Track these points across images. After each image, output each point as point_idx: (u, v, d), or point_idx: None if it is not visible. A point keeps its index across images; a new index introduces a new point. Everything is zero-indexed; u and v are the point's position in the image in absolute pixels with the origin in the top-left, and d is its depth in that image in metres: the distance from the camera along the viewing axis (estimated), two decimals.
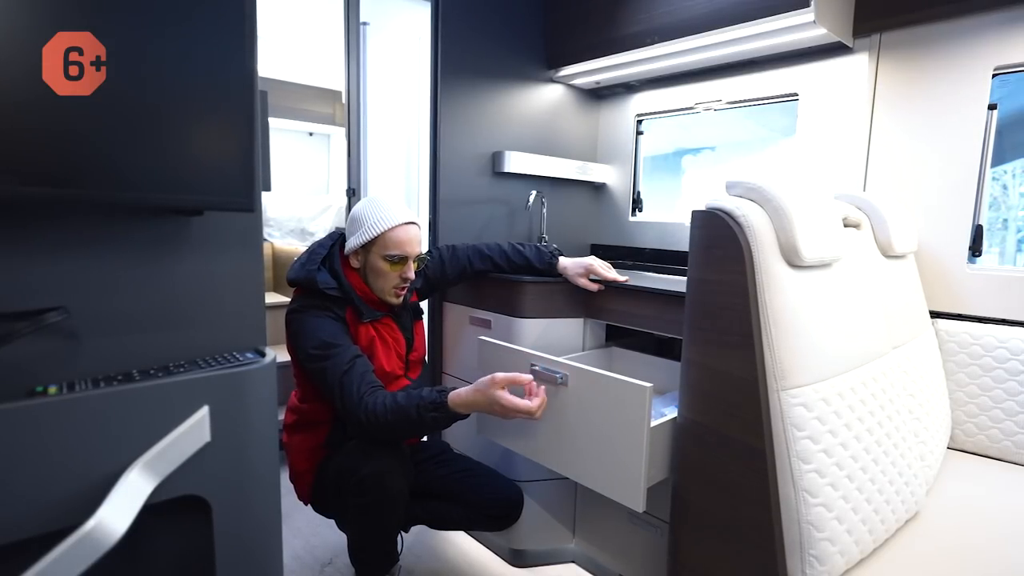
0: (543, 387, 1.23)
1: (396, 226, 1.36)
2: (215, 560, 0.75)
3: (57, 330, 0.68)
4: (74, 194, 0.62)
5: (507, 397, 1.18)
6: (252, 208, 0.74)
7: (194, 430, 0.70)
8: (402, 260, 1.38)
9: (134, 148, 0.64)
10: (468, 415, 1.24)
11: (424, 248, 1.46)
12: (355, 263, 1.40)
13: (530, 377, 1.22)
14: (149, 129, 0.65)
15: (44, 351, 0.68)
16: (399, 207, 1.40)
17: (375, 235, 1.35)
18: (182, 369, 0.74)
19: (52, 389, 0.67)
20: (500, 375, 1.19)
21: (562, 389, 1.23)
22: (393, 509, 1.27)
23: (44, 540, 0.59)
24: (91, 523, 0.60)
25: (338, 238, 1.44)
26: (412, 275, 1.40)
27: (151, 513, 0.67)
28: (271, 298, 2.90)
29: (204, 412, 0.71)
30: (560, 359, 1.27)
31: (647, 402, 1.08)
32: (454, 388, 1.23)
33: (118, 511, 0.62)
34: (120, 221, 0.73)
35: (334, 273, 1.37)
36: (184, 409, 0.71)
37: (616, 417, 1.13)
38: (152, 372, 0.73)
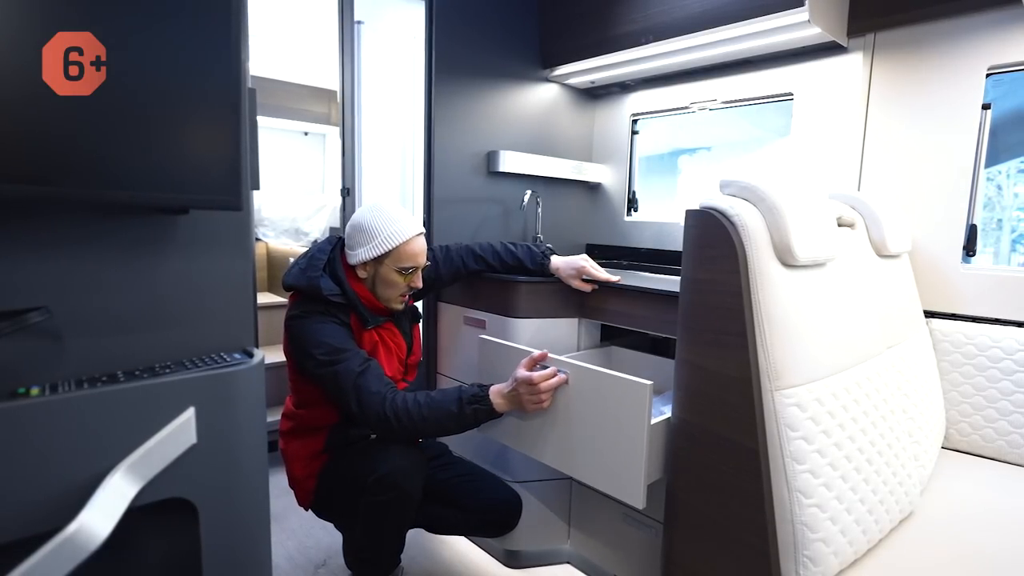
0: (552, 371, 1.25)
1: (411, 239, 1.36)
2: (202, 563, 0.74)
3: (39, 330, 0.67)
4: (57, 192, 0.61)
5: (535, 374, 1.21)
6: (239, 207, 0.73)
7: (180, 432, 0.69)
8: (415, 271, 1.39)
9: (121, 146, 0.63)
10: (503, 414, 1.26)
11: None
12: (363, 274, 1.38)
13: (558, 381, 1.23)
14: (137, 128, 0.64)
15: (26, 352, 0.67)
16: (408, 218, 1.39)
17: (389, 249, 1.34)
18: (168, 370, 0.73)
19: (35, 390, 0.65)
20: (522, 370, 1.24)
21: (562, 387, 1.23)
22: (408, 509, 1.28)
23: (25, 544, 0.58)
24: (73, 526, 0.59)
25: (337, 242, 1.42)
26: (420, 284, 1.41)
27: (136, 516, 0.66)
28: (265, 298, 2.89)
29: (190, 414, 0.70)
30: (561, 357, 1.26)
31: (648, 400, 1.08)
32: (492, 384, 1.28)
33: (101, 514, 0.61)
34: (104, 220, 0.72)
35: (337, 279, 1.35)
36: (169, 410, 0.69)
37: (617, 415, 1.13)
38: (137, 373, 0.72)
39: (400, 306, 1.42)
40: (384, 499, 1.24)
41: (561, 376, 1.23)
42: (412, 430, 1.23)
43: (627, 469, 1.13)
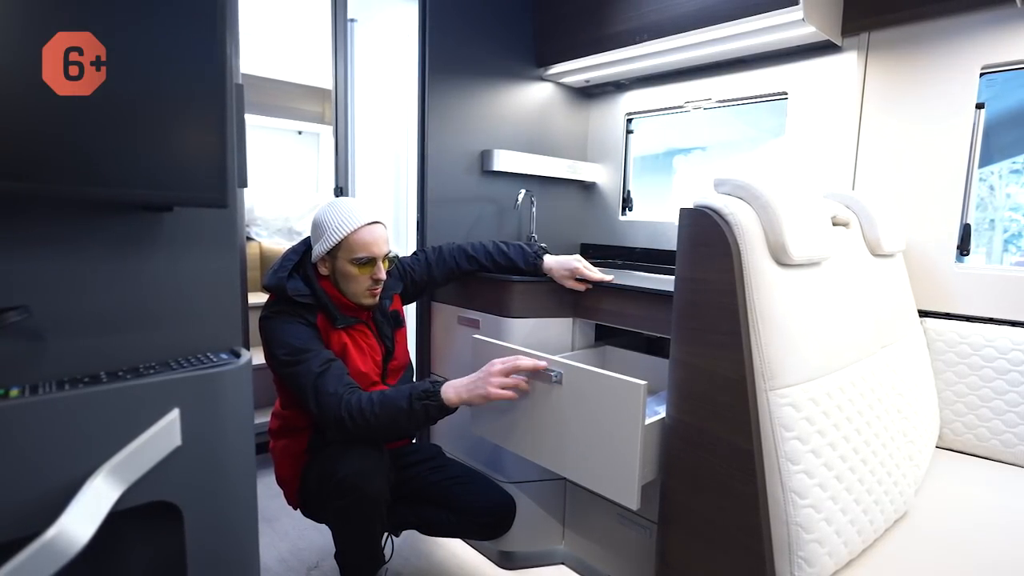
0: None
1: (359, 228, 1.32)
2: (187, 568, 0.73)
3: (19, 330, 0.66)
4: (41, 189, 0.60)
5: (500, 366, 1.22)
6: (225, 204, 0.72)
7: (164, 433, 0.68)
8: (370, 262, 1.34)
9: (114, 145, 0.63)
10: (456, 409, 1.24)
11: (412, 249, 1.43)
12: (323, 270, 1.36)
13: (532, 363, 1.22)
14: (131, 126, 0.63)
15: (5, 352, 0.65)
16: (361, 208, 1.36)
17: (339, 239, 1.32)
18: (152, 371, 0.72)
19: (14, 391, 0.64)
20: (498, 363, 1.23)
21: (556, 387, 1.22)
22: (373, 510, 1.25)
23: (2, 550, 0.57)
24: (52, 531, 0.57)
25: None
26: (383, 275, 1.37)
27: (119, 520, 0.65)
28: (256, 298, 2.86)
29: (174, 415, 0.69)
30: (555, 357, 1.25)
31: (642, 400, 1.07)
32: (447, 380, 1.26)
33: (82, 518, 0.60)
34: (87, 217, 0.70)
35: (307, 279, 1.34)
36: (153, 412, 0.68)
37: (611, 415, 1.12)
38: (120, 374, 0.70)
39: (371, 301, 1.38)
40: (345, 503, 1.22)
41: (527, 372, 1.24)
42: (367, 429, 1.21)
43: (621, 470, 1.12)
